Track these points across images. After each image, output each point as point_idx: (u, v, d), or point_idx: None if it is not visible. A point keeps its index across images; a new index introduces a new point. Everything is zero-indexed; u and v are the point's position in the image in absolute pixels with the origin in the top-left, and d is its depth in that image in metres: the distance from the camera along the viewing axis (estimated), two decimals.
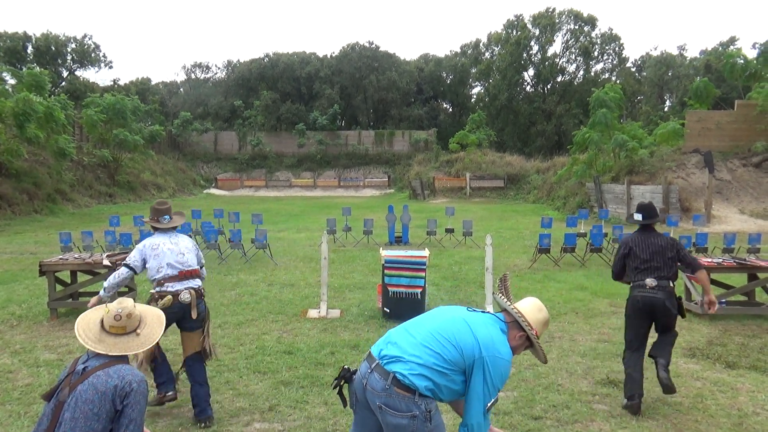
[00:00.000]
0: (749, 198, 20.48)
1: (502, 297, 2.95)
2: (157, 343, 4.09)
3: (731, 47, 43.16)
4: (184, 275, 4.64)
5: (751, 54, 26.12)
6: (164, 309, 4.30)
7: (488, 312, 2.90)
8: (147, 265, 4.67)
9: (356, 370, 2.84)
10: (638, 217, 5.14)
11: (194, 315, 4.58)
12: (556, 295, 8.82)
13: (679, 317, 4.81)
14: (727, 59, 24.87)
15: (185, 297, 4.54)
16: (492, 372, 2.62)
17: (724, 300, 7.55)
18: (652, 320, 4.82)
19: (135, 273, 4.74)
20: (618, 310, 7.90)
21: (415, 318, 2.96)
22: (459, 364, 2.65)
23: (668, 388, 4.57)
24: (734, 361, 5.79)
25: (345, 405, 2.90)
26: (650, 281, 4.74)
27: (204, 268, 5.02)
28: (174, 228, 4.93)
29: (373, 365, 2.72)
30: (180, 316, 4.56)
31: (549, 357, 5.86)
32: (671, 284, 4.80)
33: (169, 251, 4.69)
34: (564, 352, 6.07)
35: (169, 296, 4.49)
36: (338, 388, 2.88)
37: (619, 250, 5.09)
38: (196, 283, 4.71)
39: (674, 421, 4.41)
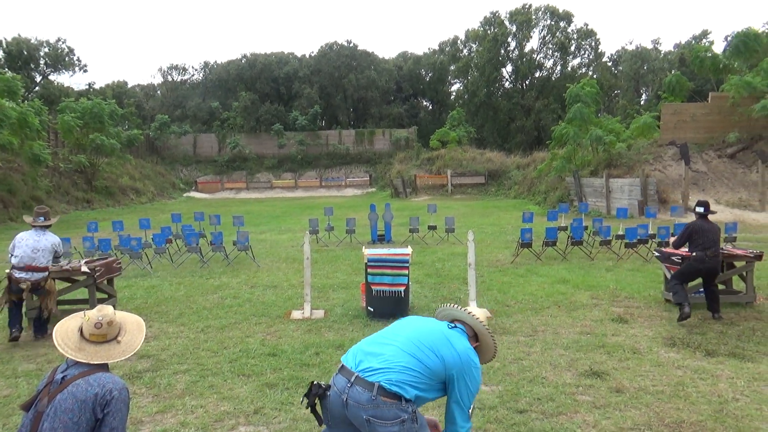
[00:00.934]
0: (725, 188, 20.86)
1: (461, 308, 3.09)
2: (18, 296, 6.64)
3: (704, 41, 43.99)
4: (30, 269, 6.59)
5: (725, 47, 26.64)
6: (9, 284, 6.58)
7: (448, 323, 3.02)
8: (14, 252, 6.64)
9: (328, 386, 2.77)
10: (701, 210, 7.24)
11: (24, 297, 6.63)
12: (539, 289, 8.90)
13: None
14: (696, 54, 25.29)
15: (23, 285, 6.54)
16: (471, 381, 2.76)
17: (702, 289, 7.66)
18: (702, 276, 7.16)
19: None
20: (599, 303, 8.01)
21: (386, 329, 3.00)
22: (440, 375, 2.74)
23: (719, 317, 7.00)
24: (714, 348, 5.89)
25: (321, 423, 2.84)
26: (710, 252, 6.96)
27: (61, 258, 7.09)
28: (47, 226, 6.87)
29: (352, 378, 2.68)
30: (18, 290, 6.60)
31: (532, 350, 5.93)
32: (720, 255, 7.20)
33: (27, 246, 6.61)
34: (547, 345, 6.13)
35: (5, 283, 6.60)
36: (312, 406, 2.79)
37: (685, 231, 7.25)
38: (38, 276, 6.62)
39: (656, 410, 4.47)
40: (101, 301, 7.72)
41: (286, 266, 11.53)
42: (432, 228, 15.25)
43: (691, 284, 7.69)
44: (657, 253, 8.44)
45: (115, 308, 2.82)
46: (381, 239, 14.83)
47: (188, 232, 12.71)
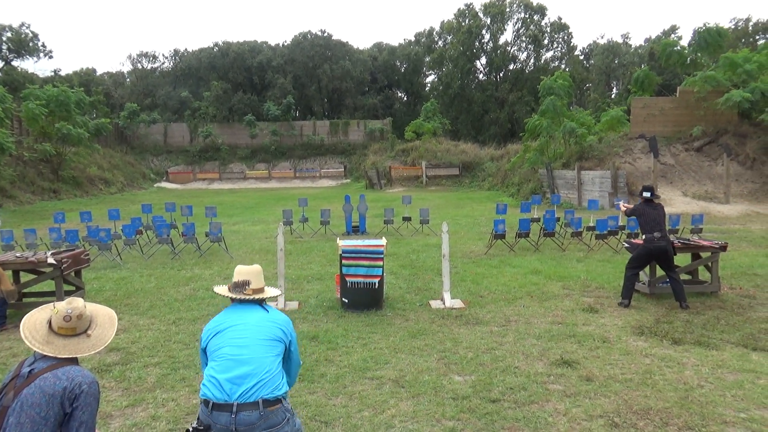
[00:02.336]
0: (691, 181, 21.36)
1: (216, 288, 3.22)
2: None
3: (672, 36, 44.81)
4: None
5: (688, 42, 27.17)
6: None
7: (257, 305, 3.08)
8: None
9: (208, 426, 2.72)
10: (647, 194, 7.64)
11: None
12: (512, 280, 9.01)
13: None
14: (664, 48, 25.76)
15: None
16: (294, 333, 3.10)
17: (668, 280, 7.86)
18: (653, 259, 7.45)
19: None
20: (570, 293, 8.14)
21: (222, 348, 2.86)
22: (284, 352, 3.00)
23: (686, 306, 7.17)
24: (680, 337, 6.04)
25: None
26: (657, 234, 7.29)
27: None
28: None
29: (234, 408, 2.68)
30: None
31: (505, 340, 6.00)
32: (668, 235, 7.57)
33: None
34: (520, 335, 6.21)
35: None
36: None
37: (634, 213, 7.66)
38: None
39: (625, 397, 4.57)
40: (69, 293, 7.55)
41: (259, 258, 11.44)
42: (406, 219, 15.29)
43: (659, 274, 7.90)
44: (626, 245, 8.60)
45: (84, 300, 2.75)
46: (356, 230, 14.82)
47: (159, 223, 12.50)
